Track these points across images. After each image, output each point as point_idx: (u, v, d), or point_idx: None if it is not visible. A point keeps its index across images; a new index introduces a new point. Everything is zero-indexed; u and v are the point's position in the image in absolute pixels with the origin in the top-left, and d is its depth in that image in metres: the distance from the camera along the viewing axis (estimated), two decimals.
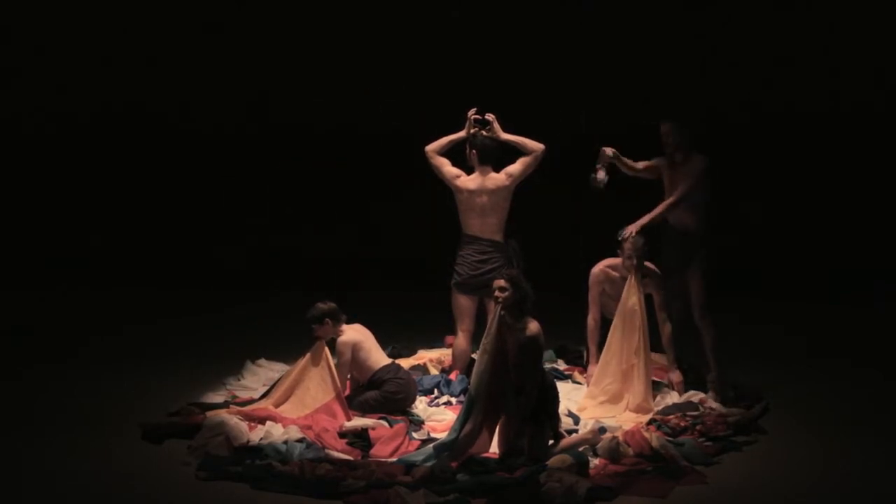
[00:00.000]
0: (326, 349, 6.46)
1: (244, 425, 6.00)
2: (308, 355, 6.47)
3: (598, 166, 6.74)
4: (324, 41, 10.87)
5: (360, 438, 5.95)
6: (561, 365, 7.50)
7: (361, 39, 10.79)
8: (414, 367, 7.25)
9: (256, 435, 5.94)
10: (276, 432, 5.95)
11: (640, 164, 6.91)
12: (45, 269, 10.52)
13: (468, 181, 6.95)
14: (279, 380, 6.62)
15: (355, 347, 6.47)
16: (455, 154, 7.11)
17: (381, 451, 5.81)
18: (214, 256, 10.90)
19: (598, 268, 6.93)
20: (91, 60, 10.93)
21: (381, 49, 10.73)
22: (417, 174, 7.68)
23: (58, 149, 11.10)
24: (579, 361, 7.39)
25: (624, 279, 6.75)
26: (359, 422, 6.15)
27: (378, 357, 6.58)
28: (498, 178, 6.92)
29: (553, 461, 5.50)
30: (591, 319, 6.94)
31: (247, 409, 6.33)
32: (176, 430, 6.06)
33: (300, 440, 5.83)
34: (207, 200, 11.07)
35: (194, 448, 5.76)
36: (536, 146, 6.93)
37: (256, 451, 5.72)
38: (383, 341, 6.87)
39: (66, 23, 10.75)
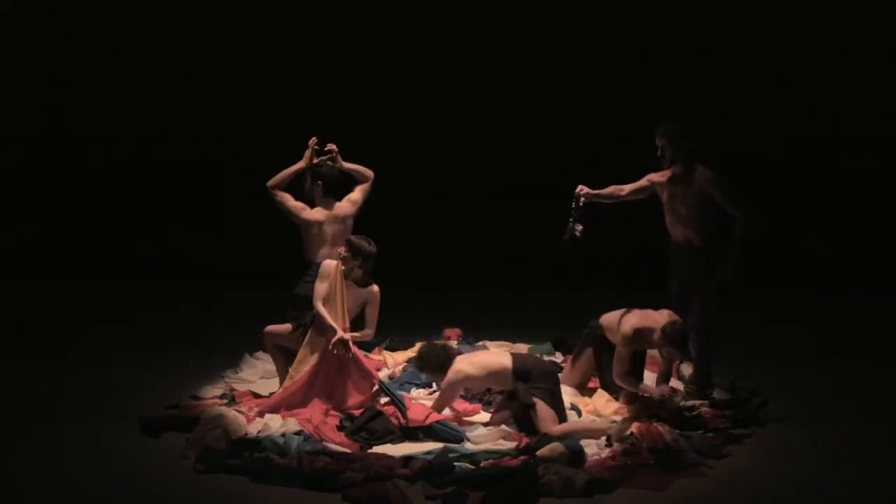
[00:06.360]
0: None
1: (242, 418, 6.03)
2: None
3: (573, 219, 6.20)
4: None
5: (358, 430, 5.95)
6: (558, 357, 7.50)
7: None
8: (411, 360, 7.24)
9: (254, 427, 5.95)
10: (274, 425, 5.96)
11: (626, 189, 6.34)
12: (42, 263, 10.52)
13: (316, 213, 6.79)
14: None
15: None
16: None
17: (416, 415, 5.97)
18: (213, 252, 10.91)
19: (628, 327, 6.14)
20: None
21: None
22: None
23: (56, 147, 11.12)
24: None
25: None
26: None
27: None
28: (344, 207, 6.84)
29: (544, 450, 5.52)
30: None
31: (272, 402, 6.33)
32: (174, 424, 6.07)
33: (298, 433, 5.84)
34: (207, 198, 11.08)
35: (192, 441, 5.76)
36: (370, 173, 6.95)
37: (255, 443, 5.71)
38: (381, 335, 6.92)
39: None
